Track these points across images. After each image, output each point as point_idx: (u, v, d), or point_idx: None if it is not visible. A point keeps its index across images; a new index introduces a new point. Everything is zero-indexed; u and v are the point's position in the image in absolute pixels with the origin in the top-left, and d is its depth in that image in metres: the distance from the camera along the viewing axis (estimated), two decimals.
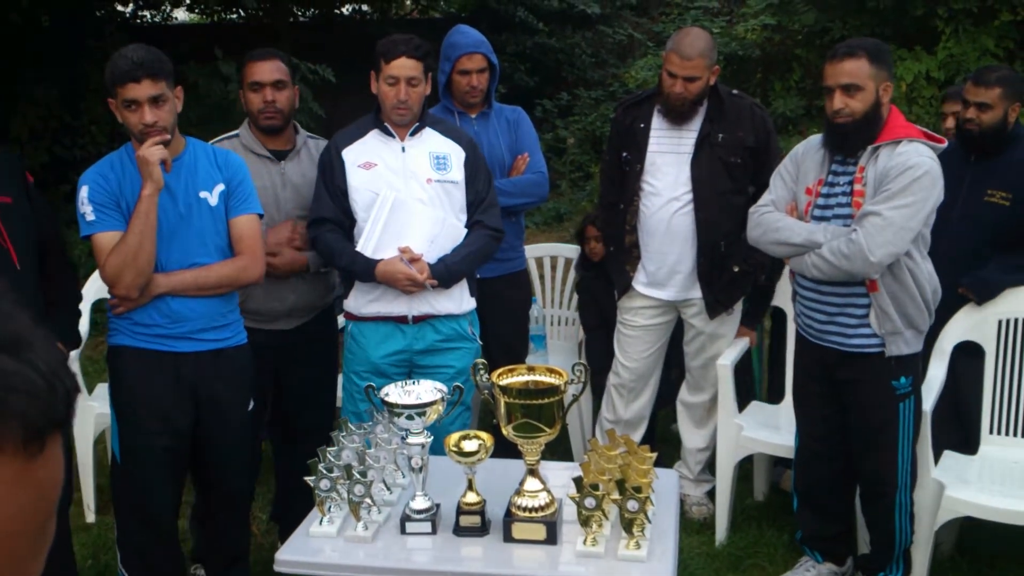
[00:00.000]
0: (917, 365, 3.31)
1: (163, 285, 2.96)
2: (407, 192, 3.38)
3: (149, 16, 11.21)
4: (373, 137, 3.45)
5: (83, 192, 2.96)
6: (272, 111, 3.50)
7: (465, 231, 3.45)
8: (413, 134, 3.43)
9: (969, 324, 3.69)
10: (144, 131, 2.89)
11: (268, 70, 3.49)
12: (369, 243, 3.36)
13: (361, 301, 3.44)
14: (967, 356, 3.69)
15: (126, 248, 2.87)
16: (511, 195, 3.95)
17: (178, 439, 3.06)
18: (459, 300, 3.47)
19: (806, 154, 3.33)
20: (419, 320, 3.41)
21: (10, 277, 2.75)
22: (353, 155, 3.42)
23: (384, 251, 3.34)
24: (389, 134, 3.43)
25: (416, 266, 3.31)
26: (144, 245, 2.88)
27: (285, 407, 3.71)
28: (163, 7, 11.16)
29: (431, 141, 3.45)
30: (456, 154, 3.45)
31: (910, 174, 3.02)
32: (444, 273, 3.35)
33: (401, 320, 3.42)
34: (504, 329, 4.14)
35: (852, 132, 3.15)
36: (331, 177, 3.42)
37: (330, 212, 3.41)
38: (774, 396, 4.34)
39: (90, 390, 4.29)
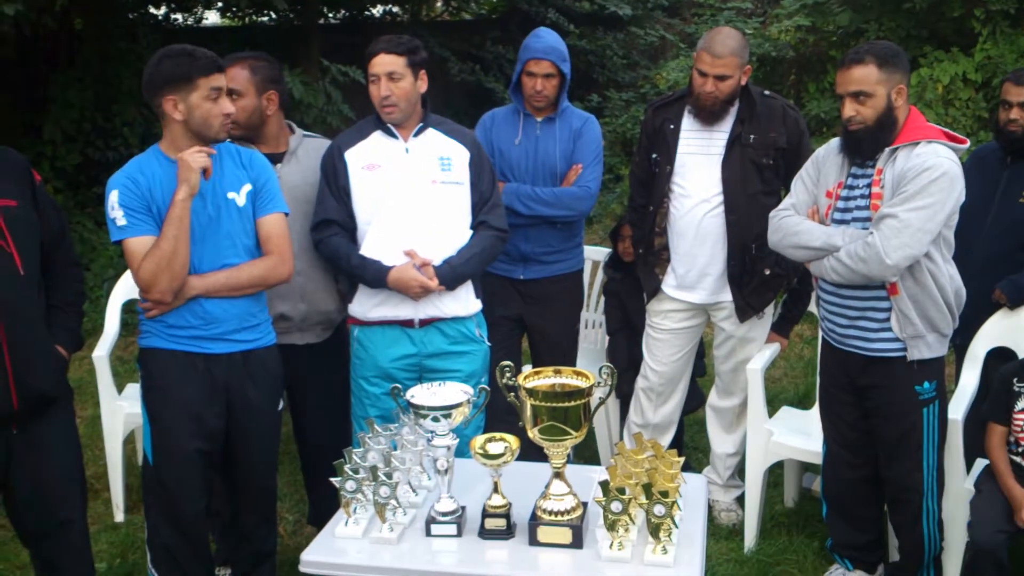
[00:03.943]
0: (941, 370, 3.27)
1: (197, 287, 2.97)
2: (411, 193, 3.37)
3: (181, 19, 11.29)
4: (376, 138, 3.43)
5: (113, 197, 2.95)
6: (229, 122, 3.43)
7: (470, 232, 3.44)
8: (416, 135, 3.42)
9: (1002, 329, 3.63)
10: (225, 123, 2.97)
11: (224, 79, 3.38)
12: (374, 246, 3.36)
13: (366, 305, 3.43)
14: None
15: (161, 253, 2.87)
16: (550, 206, 3.92)
17: (210, 441, 3.07)
18: (465, 302, 3.46)
19: (826, 158, 3.30)
20: (425, 323, 3.41)
21: (14, 282, 2.78)
22: (356, 156, 3.41)
23: (389, 254, 3.34)
24: (392, 135, 3.42)
25: (424, 271, 3.30)
26: (179, 250, 2.89)
27: (303, 419, 3.74)
28: (195, 10, 11.24)
29: (435, 142, 3.44)
30: (460, 155, 3.44)
31: (927, 176, 2.99)
32: (449, 275, 3.34)
33: (407, 324, 3.41)
34: (555, 328, 4.14)
35: (865, 138, 3.13)
36: (334, 179, 3.41)
37: (335, 214, 3.40)
38: None
39: (119, 390, 4.32)
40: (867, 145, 3.15)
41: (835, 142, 3.30)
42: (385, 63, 3.32)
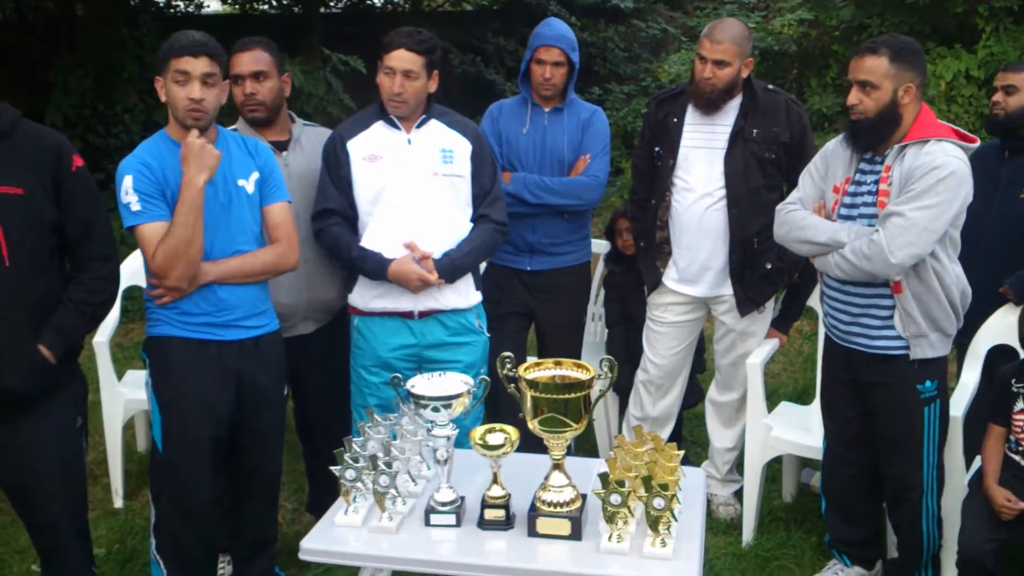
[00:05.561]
0: (943, 369, 3.27)
1: (211, 274, 2.96)
2: (413, 185, 3.36)
3: (183, 6, 11.27)
4: (378, 129, 3.42)
5: (127, 182, 2.90)
6: (253, 103, 3.42)
7: (470, 225, 3.43)
8: (419, 126, 3.41)
9: (1004, 327, 3.62)
10: (188, 107, 2.88)
11: (247, 61, 3.40)
12: (375, 237, 3.35)
13: (367, 296, 3.43)
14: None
15: (177, 239, 2.85)
16: (559, 195, 3.89)
17: (222, 428, 3.07)
18: (465, 294, 3.46)
19: (835, 152, 3.29)
20: (425, 315, 3.41)
21: None
22: (358, 147, 3.40)
23: (389, 246, 3.33)
24: (395, 126, 3.40)
25: (424, 264, 3.30)
26: (195, 236, 2.87)
27: (306, 406, 3.75)
28: None
29: (437, 133, 3.43)
30: (462, 147, 3.43)
31: (935, 174, 2.97)
32: (449, 268, 3.34)
33: (407, 315, 3.41)
34: (561, 320, 4.13)
35: (864, 130, 3.13)
36: (336, 168, 3.40)
37: (336, 204, 3.39)
38: None
39: (119, 376, 4.31)
40: (865, 137, 3.14)
41: (844, 137, 3.29)
42: (404, 59, 3.29)
